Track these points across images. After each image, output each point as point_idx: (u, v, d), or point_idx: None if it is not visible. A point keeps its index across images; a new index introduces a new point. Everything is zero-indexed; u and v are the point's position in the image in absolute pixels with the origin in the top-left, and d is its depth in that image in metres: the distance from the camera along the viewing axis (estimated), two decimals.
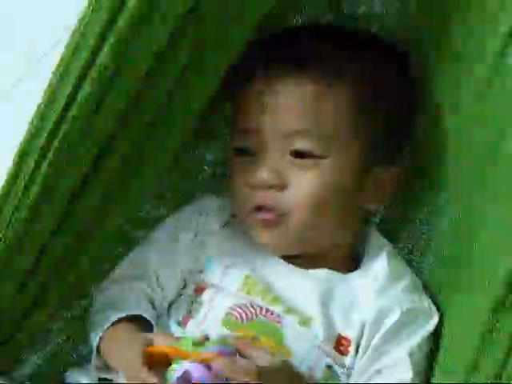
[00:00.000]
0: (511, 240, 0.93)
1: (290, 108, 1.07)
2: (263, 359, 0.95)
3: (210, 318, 1.07)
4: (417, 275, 1.12)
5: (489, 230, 0.98)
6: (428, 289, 1.10)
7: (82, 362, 1.15)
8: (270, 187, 1.07)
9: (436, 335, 1.06)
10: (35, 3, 1.62)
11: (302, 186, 1.06)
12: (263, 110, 1.07)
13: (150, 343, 0.98)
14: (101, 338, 1.06)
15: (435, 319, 1.06)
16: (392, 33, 1.15)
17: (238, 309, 1.07)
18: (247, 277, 1.09)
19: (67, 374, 1.13)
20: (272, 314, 1.06)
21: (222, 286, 1.09)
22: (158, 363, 0.96)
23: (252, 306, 1.07)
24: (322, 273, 1.10)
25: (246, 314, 1.07)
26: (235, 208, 1.12)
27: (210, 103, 1.11)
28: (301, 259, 1.11)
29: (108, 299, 1.12)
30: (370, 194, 1.11)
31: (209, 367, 0.93)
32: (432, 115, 1.12)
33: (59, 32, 1.21)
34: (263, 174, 1.07)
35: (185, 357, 0.94)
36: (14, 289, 1.02)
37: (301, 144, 1.06)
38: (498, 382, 0.91)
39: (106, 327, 1.06)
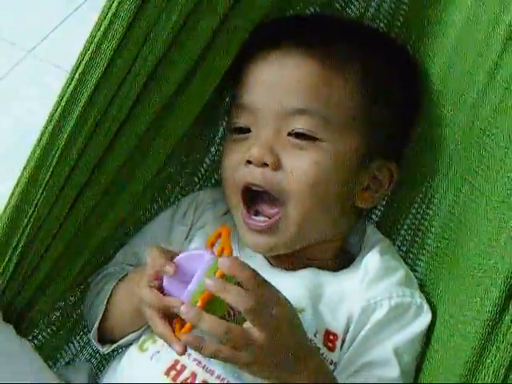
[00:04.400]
0: (509, 240, 0.90)
1: (291, 86, 1.03)
2: None
3: None
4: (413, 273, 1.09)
5: (484, 229, 0.96)
6: (423, 287, 1.07)
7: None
8: (264, 165, 1.03)
9: (429, 335, 1.01)
10: None
11: (298, 167, 1.02)
12: (262, 86, 1.04)
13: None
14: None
15: (427, 318, 1.02)
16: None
17: None
18: None
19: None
20: None
21: None
22: None
23: None
24: (309, 272, 1.06)
25: None
26: (225, 195, 1.09)
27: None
28: (287, 262, 1.07)
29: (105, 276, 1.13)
30: (365, 191, 1.07)
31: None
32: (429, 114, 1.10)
33: None
34: (256, 150, 1.03)
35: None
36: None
37: (299, 123, 1.02)
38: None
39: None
